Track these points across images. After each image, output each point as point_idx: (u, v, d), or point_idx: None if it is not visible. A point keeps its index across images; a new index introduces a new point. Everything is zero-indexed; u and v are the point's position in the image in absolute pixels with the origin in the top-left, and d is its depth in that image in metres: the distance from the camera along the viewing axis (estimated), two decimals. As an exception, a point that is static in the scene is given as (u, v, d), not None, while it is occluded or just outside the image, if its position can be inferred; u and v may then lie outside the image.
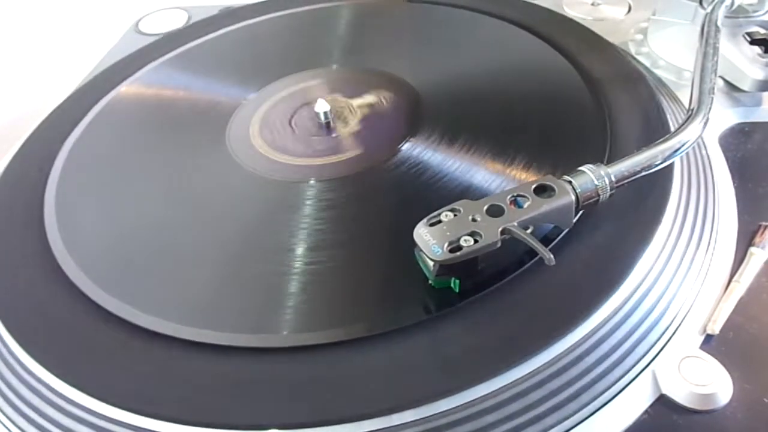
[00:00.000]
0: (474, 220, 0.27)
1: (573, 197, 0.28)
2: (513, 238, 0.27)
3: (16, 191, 0.39)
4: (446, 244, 0.27)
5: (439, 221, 0.28)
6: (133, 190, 0.38)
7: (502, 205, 0.28)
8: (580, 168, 0.29)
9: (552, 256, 0.26)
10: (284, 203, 0.35)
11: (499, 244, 0.27)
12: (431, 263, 0.27)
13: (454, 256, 0.26)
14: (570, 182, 0.29)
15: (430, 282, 0.28)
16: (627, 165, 0.30)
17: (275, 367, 0.27)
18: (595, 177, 0.29)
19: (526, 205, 0.28)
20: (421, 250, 0.27)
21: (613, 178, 0.29)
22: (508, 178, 0.34)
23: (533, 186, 0.29)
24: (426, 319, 0.27)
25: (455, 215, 0.28)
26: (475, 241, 0.27)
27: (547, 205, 0.28)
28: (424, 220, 0.28)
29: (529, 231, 0.28)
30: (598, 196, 0.29)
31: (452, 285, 0.28)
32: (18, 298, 0.32)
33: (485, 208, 0.28)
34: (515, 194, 0.28)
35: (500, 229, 0.27)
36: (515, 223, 0.27)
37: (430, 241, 0.27)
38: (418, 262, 0.28)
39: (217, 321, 0.29)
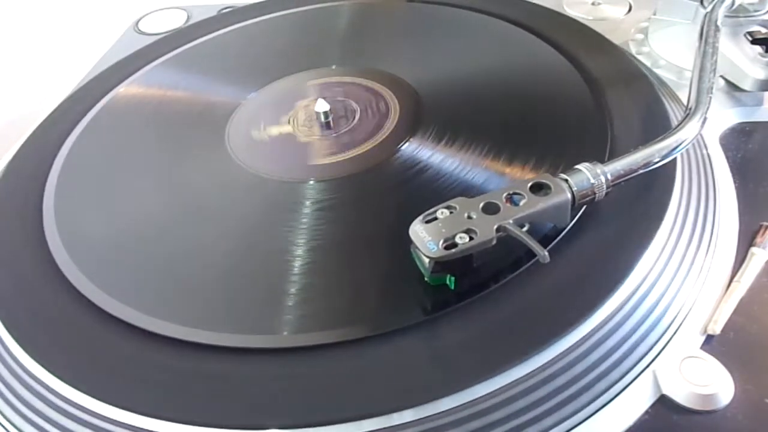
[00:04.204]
0: (470, 217, 0.27)
1: (569, 195, 0.28)
2: (511, 237, 0.27)
3: (15, 191, 0.39)
4: (442, 241, 0.27)
5: (435, 218, 0.28)
6: (132, 190, 0.38)
7: (498, 202, 0.28)
8: (576, 166, 0.29)
9: (546, 253, 0.26)
10: (284, 203, 0.35)
11: (494, 242, 0.27)
12: (427, 260, 0.27)
13: (450, 253, 0.26)
14: (566, 180, 0.29)
15: (426, 279, 0.28)
16: (623, 163, 0.30)
17: (275, 367, 0.27)
18: (591, 175, 0.29)
19: (522, 203, 0.28)
20: (416, 247, 0.27)
21: (609, 177, 0.29)
22: (508, 178, 0.34)
23: (529, 184, 0.29)
24: (426, 320, 0.27)
25: (451, 212, 0.28)
26: (471, 239, 0.27)
27: (543, 203, 0.28)
28: (420, 217, 0.28)
29: (525, 229, 0.28)
30: (594, 194, 0.29)
31: (448, 282, 0.28)
32: (17, 298, 0.32)
33: (481, 205, 0.28)
34: (511, 192, 0.28)
35: (495, 227, 0.27)
36: (511, 221, 0.27)
37: (425, 237, 0.27)
38: (415, 259, 0.28)
39: (217, 321, 0.29)
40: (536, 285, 0.28)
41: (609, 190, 0.29)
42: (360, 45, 0.49)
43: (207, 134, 0.41)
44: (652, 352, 0.28)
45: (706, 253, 0.32)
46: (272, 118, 0.41)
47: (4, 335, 0.30)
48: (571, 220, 0.30)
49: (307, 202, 0.35)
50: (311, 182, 0.36)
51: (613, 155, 0.33)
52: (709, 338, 0.29)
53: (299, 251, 0.32)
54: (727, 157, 0.38)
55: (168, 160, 0.40)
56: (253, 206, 0.36)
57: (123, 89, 0.46)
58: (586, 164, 0.29)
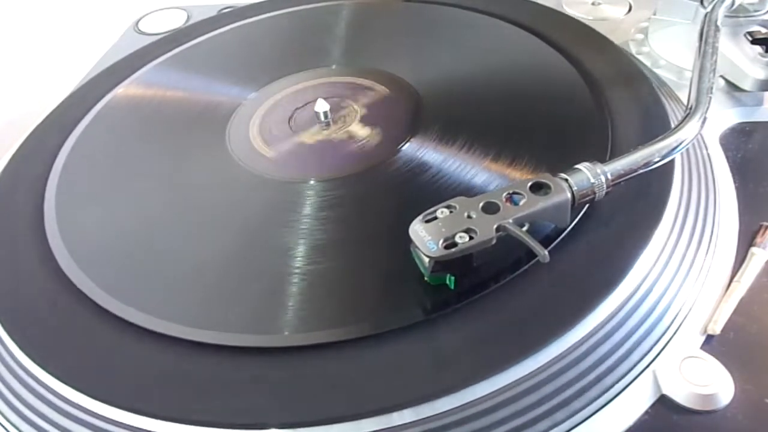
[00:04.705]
0: (469, 217, 0.27)
1: (569, 195, 0.28)
2: (511, 237, 0.27)
3: (15, 191, 0.39)
4: (441, 241, 0.27)
5: (435, 218, 0.28)
6: (133, 190, 0.38)
7: (498, 202, 0.28)
8: (576, 166, 0.29)
9: (546, 252, 0.26)
10: (284, 203, 0.35)
11: (494, 241, 0.27)
12: (427, 259, 0.27)
13: (449, 252, 0.27)
14: (566, 180, 0.29)
15: (425, 278, 0.28)
16: (623, 163, 0.30)
17: (275, 367, 0.27)
18: (591, 175, 0.29)
19: (521, 203, 0.28)
20: (416, 247, 0.27)
21: (609, 176, 0.29)
22: (508, 178, 0.34)
23: (529, 183, 0.29)
24: (426, 320, 0.27)
25: (451, 212, 0.28)
26: (471, 238, 0.27)
27: (543, 203, 0.28)
28: (420, 216, 0.28)
29: (524, 228, 0.28)
30: (594, 194, 0.29)
31: (448, 282, 0.28)
32: (17, 298, 0.32)
33: (481, 205, 0.28)
34: (511, 191, 0.28)
35: (495, 226, 0.27)
36: (510, 220, 0.27)
37: (425, 237, 0.27)
38: (414, 259, 0.28)
39: (217, 321, 0.29)
40: (536, 285, 0.28)
41: (609, 189, 0.29)
42: (360, 45, 0.49)
43: (207, 134, 0.41)
44: (652, 352, 0.28)
45: (706, 253, 0.32)
46: (272, 118, 0.41)
47: (4, 335, 0.30)
48: (572, 221, 0.30)
49: (308, 202, 0.35)
50: (311, 182, 0.36)
51: (613, 155, 0.33)
52: (709, 338, 0.29)
53: (299, 251, 0.32)
54: (727, 157, 0.38)
55: (168, 160, 0.40)
56: (254, 206, 0.36)
57: (123, 89, 0.46)
58: (586, 164, 0.29)
